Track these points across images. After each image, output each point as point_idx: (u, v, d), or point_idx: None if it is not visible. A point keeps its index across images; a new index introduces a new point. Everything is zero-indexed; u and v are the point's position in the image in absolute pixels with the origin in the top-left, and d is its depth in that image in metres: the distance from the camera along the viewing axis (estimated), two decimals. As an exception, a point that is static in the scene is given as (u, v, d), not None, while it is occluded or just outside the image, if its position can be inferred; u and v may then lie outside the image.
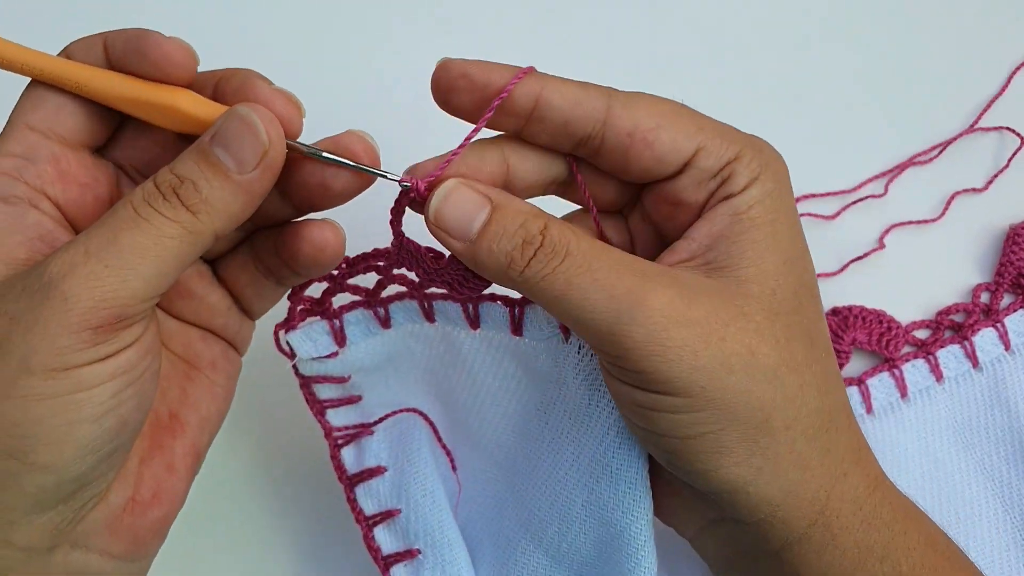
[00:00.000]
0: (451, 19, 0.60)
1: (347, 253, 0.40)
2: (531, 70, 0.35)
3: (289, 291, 0.42)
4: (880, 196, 0.56)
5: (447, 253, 0.37)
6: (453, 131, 0.38)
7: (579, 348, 0.40)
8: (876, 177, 0.56)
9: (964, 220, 0.55)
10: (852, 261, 0.55)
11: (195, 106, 0.36)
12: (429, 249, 0.38)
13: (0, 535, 0.33)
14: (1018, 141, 0.56)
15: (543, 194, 0.39)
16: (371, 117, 0.56)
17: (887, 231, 0.55)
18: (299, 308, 0.42)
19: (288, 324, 0.42)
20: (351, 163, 0.36)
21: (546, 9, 0.60)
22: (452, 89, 0.35)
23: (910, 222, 0.55)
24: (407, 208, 0.37)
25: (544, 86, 0.35)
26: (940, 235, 0.55)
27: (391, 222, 0.37)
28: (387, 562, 0.44)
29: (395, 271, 0.41)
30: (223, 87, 0.36)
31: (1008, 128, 0.56)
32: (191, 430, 0.40)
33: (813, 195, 0.56)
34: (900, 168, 0.56)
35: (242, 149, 0.33)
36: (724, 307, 0.34)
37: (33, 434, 0.31)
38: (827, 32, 0.60)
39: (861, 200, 0.56)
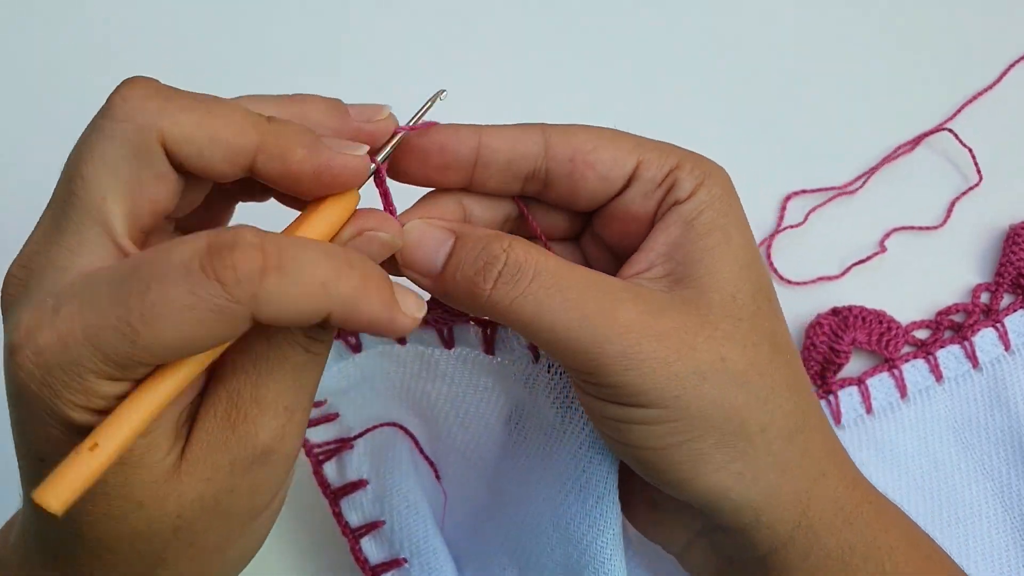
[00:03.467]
0: (445, 19, 0.61)
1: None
2: (433, 124, 0.36)
3: None
4: (858, 190, 0.56)
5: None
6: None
7: (549, 367, 0.40)
8: (866, 173, 0.56)
9: (964, 220, 0.55)
10: (853, 265, 0.55)
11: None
12: None
13: None
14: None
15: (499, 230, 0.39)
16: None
17: (888, 234, 0.55)
18: None
19: None
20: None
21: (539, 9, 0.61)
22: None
23: (911, 227, 0.55)
24: None
25: (482, 133, 0.36)
26: (940, 235, 0.55)
27: None
28: (375, 572, 0.45)
29: None
30: (288, 174, 0.31)
31: (944, 130, 0.57)
32: None
33: (804, 191, 0.56)
34: (884, 161, 0.57)
35: (378, 259, 0.33)
36: (691, 317, 0.34)
37: (254, 548, 0.35)
38: (815, 28, 0.60)
39: (838, 195, 0.56)
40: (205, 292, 0.26)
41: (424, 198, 0.38)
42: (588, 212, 0.39)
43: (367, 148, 0.33)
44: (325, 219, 0.32)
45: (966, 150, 0.56)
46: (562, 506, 0.40)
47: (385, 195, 0.36)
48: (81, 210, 0.29)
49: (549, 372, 0.40)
